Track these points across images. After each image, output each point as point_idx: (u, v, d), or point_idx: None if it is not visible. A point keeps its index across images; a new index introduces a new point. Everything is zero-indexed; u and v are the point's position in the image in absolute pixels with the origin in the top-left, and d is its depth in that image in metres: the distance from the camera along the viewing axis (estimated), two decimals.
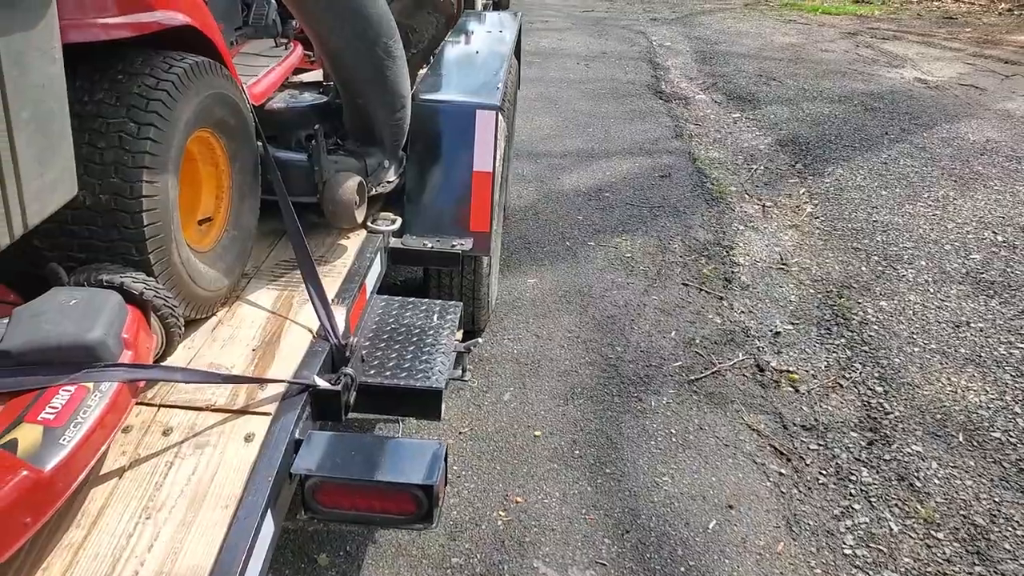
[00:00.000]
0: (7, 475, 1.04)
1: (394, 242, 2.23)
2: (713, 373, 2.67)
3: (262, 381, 1.47)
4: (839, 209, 4.05)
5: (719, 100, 6.23)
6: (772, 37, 8.33)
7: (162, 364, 1.47)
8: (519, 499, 2.08)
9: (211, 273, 1.64)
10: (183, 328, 1.51)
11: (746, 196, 4.29)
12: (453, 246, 2.23)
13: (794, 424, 2.45)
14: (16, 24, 0.99)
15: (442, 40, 2.31)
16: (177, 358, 1.54)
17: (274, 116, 2.13)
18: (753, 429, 2.41)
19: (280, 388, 1.47)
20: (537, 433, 2.34)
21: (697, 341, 2.86)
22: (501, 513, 2.03)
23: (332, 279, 1.90)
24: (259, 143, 1.80)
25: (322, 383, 1.50)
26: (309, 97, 2.25)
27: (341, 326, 1.70)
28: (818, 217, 3.99)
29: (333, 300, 1.80)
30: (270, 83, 2.15)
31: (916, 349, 2.81)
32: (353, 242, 2.09)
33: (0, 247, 1.05)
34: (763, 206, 4.15)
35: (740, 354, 2.79)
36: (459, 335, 2.00)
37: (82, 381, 1.20)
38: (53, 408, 1.15)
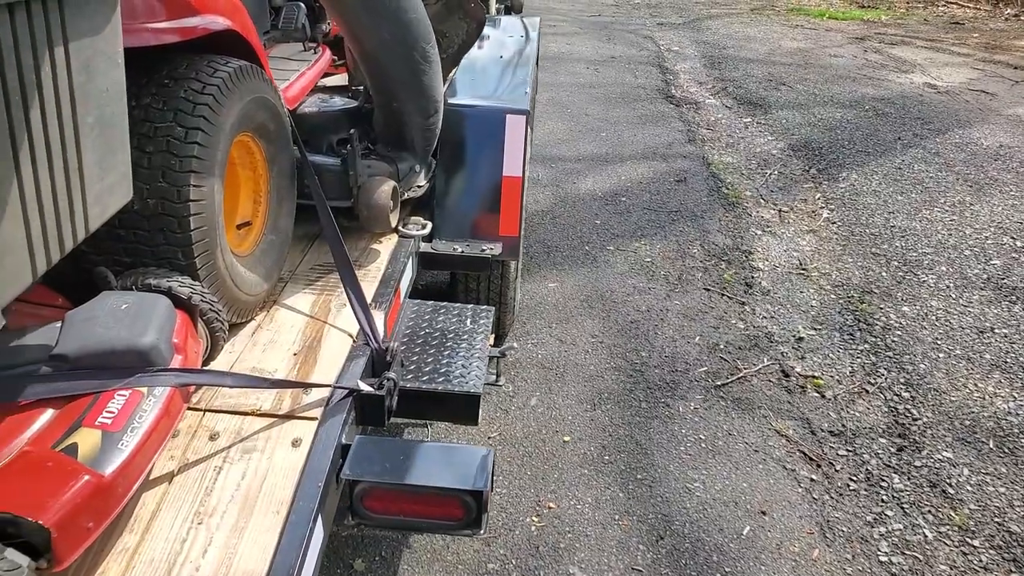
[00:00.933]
0: (70, 480, 1.03)
1: (424, 246, 2.23)
2: (739, 378, 2.67)
3: (309, 386, 1.46)
4: (856, 214, 4.05)
5: (730, 105, 6.24)
6: (780, 42, 8.35)
7: (211, 369, 1.47)
8: (552, 504, 2.07)
9: (251, 277, 1.64)
10: (227, 333, 1.50)
11: (762, 201, 4.29)
12: (483, 250, 2.23)
13: (822, 430, 2.44)
14: (85, 29, 0.99)
15: (471, 45, 2.31)
16: (219, 363, 1.53)
17: (306, 120, 2.13)
18: (782, 435, 2.40)
19: (324, 393, 1.47)
20: (566, 438, 2.34)
21: (721, 346, 2.85)
22: (534, 519, 2.02)
23: (368, 283, 1.89)
24: (295, 147, 1.80)
25: (366, 388, 1.50)
26: (340, 101, 2.25)
27: (380, 330, 1.69)
28: (835, 222, 3.99)
29: (370, 304, 1.80)
30: (302, 87, 2.16)
31: (941, 355, 2.81)
32: (385, 246, 2.09)
33: (64, 252, 1.04)
34: (779, 211, 4.15)
35: (765, 359, 2.79)
36: (491, 339, 2.00)
37: (136, 386, 1.20)
38: (110, 413, 1.15)
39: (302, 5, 2.36)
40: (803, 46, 8.13)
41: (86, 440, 1.10)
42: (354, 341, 1.66)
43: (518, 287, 2.64)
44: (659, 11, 10.29)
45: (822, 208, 4.18)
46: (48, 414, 1.14)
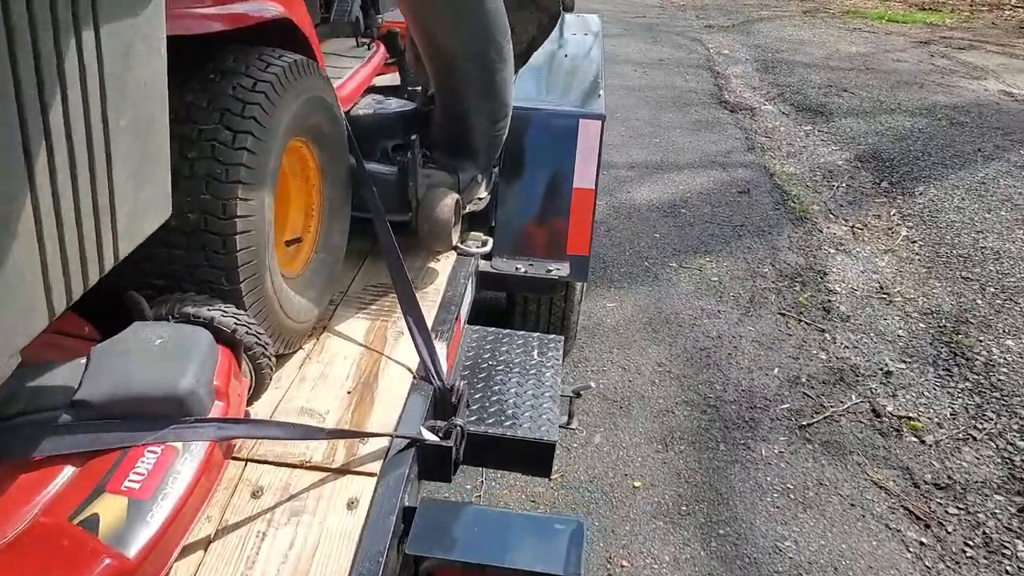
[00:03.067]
0: (90, 563, 0.84)
1: (483, 264, 2.02)
2: (825, 418, 2.39)
3: (367, 435, 1.25)
4: (938, 233, 3.73)
5: (787, 111, 5.94)
6: (837, 46, 7.98)
7: (257, 419, 1.26)
8: (625, 562, 1.84)
9: (301, 302, 1.44)
10: (275, 369, 1.30)
11: (831, 216, 4.00)
12: (549, 271, 2.01)
13: (925, 482, 2.16)
14: (121, 8, 0.79)
15: (542, 42, 2.10)
16: (264, 401, 1.33)
17: (359, 123, 1.93)
18: (880, 487, 2.12)
19: (383, 442, 1.26)
20: (636, 484, 2.10)
21: (803, 380, 2.58)
22: None
23: (426, 308, 1.68)
24: (351, 155, 1.60)
25: (430, 437, 1.29)
26: (395, 103, 2.05)
27: (443, 365, 1.48)
28: (915, 241, 3.67)
29: (432, 334, 1.59)
30: (355, 86, 1.96)
31: None
32: (443, 265, 1.88)
33: (88, 285, 0.85)
34: (852, 228, 3.85)
35: (852, 396, 2.51)
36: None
37: (171, 440, 1.00)
38: (138, 475, 0.95)
39: None
40: (863, 50, 7.75)
41: (109, 510, 0.90)
42: (414, 377, 1.45)
43: (580, 310, 2.41)
44: (705, 13, 9.96)
45: (899, 225, 3.87)
46: (66, 473, 0.95)
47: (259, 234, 1.24)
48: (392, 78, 2.54)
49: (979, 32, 8.58)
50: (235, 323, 1.19)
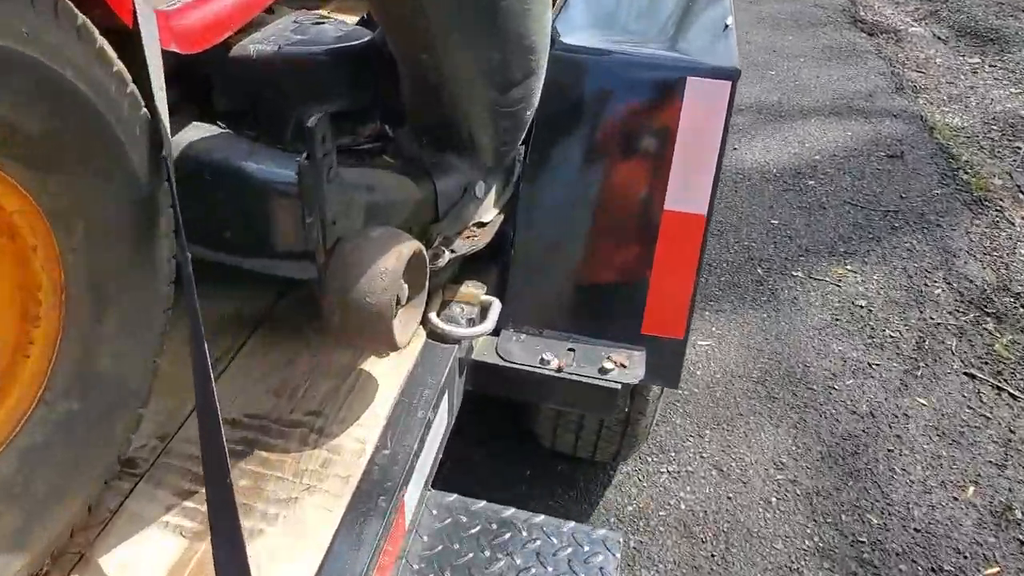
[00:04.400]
0: None
1: (482, 344, 1.09)
2: None
3: None
4: None
5: (944, 36, 4.55)
6: None
7: None
8: None
9: None
10: None
11: (1022, 197, 2.80)
12: (603, 370, 1.06)
13: None
14: None
15: None
16: None
17: (248, 73, 0.98)
18: None
19: None
20: None
21: (1018, 512, 1.57)
22: None
23: (329, 495, 0.79)
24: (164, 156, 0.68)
25: None
26: (332, 31, 1.07)
27: None
28: None
29: None
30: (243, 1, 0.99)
31: None
32: (394, 365, 0.96)
33: None
34: None
35: None
36: None
37: None
38: None
39: None
40: None
41: None
42: None
43: (657, 409, 1.42)
44: None
45: None
46: None
47: None
48: None
49: None
50: None
